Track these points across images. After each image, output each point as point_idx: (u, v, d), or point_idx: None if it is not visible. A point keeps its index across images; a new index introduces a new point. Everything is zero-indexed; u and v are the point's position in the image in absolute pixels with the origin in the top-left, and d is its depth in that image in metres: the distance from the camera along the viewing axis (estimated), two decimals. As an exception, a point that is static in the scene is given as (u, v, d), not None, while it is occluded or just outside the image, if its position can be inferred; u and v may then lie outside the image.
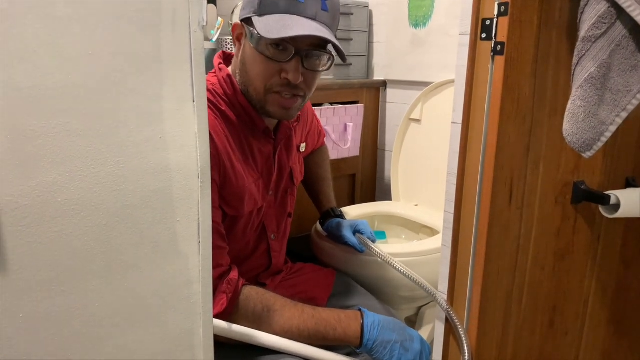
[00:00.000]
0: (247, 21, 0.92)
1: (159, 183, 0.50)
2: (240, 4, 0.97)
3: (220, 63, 1.01)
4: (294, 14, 0.88)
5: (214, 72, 1.00)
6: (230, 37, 1.68)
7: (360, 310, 0.96)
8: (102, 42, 0.45)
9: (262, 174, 1.04)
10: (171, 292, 0.54)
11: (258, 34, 0.88)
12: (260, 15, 0.89)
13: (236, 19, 1.59)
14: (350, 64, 1.92)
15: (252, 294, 0.93)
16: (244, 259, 1.06)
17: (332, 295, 1.18)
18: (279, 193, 1.10)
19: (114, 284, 0.50)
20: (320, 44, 0.93)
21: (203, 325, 0.57)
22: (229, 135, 0.96)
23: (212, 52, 1.64)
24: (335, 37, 0.93)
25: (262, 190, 1.04)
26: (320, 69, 0.96)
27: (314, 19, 0.89)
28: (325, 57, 0.95)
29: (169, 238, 0.52)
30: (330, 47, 0.95)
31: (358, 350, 0.94)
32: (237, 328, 0.87)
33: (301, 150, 1.20)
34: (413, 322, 1.49)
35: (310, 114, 1.28)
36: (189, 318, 0.56)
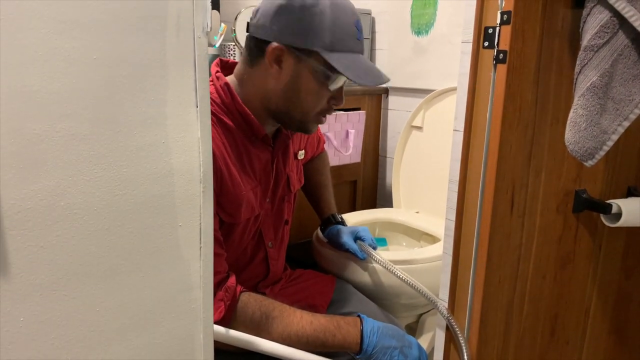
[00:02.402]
0: (305, 52, 0.92)
1: (162, 188, 0.50)
2: (254, 13, 0.96)
3: (217, 71, 1.01)
4: (359, 52, 0.96)
5: (211, 81, 1.00)
6: (233, 43, 1.69)
7: (359, 316, 0.96)
8: (107, 47, 0.45)
9: (259, 181, 1.04)
10: (172, 298, 0.54)
11: (329, 69, 0.92)
12: (330, 51, 0.91)
13: (240, 25, 1.60)
14: (353, 71, 1.92)
15: (250, 300, 0.92)
16: (242, 268, 1.06)
17: (332, 302, 1.17)
18: (276, 200, 1.10)
19: (115, 288, 0.50)
20: None
21: (203, 330, 0.57)
22: (225, 142, 0.96)
23: (215, 58, 1.64)
24: None
25: (260, 198, 1.04)
26: None
27: (363, 51, 0.98)
28: None
29: (170, 243, 0.52)
30: None
31: (357, 357, 0.94)
32: (236, 334, 0.87)
33: (299, 158, 1.20)
34: (413, 329, 1.48)
35: None
36: (189, 323, 0.56)
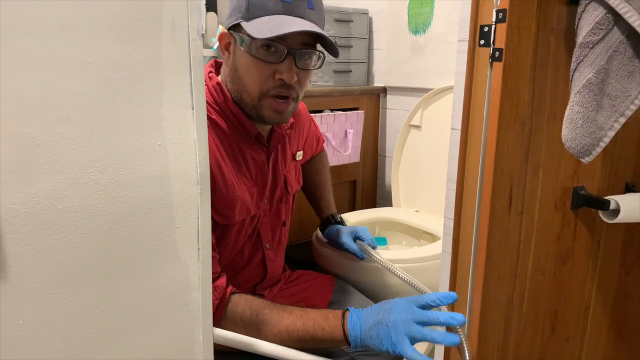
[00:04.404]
0: (236, 28, 0.94)
1: (159, 190, 0.51)
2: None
3: (210, 72, 1.01)
4: (283, 14, 0.90)
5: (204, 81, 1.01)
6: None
7: (348, 309, 0.91)
8: (102, 50, 0.45)
9: (256, 181, 1.04)
10: (171, 299, 0.54)
11: (249, 37, 0.89)
12: (248, 19, 0.90)
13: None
14: (350, 71, 1.93)
15: (240, 300, 0.92)
16: (239, 269, 1.06)
17: (331, 302, 1.17)
18: (274, 201, 1.10)
19: (114, 290, 0.50)
20: (310, 42, 0.95)
21: (203, 332, 0.57)
22: (218, 143, 0.96)
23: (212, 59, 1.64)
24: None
25: (257, 198, 1.04)
26: (312, 68, 0.98)
27: (302, 17, 0.91)
28: (316, 56, 0.97)
29: (168, 245, 0.52)
30: (319, 47, 0.98)
31: (353, 348, 0.88)
32: (234, 336, 0.87)
33: (297, 159, 1.19)
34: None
35: (307, 120, 1.27)
36: (188, 325, 0.56)
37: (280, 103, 0.96)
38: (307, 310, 0.92)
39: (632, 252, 0.99)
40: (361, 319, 0.87)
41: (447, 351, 0.90)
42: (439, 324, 0.82)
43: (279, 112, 0.97)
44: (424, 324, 0.82)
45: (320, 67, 1.00)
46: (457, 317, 0.81)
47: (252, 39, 0.89)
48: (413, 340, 0.82)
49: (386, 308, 0.86)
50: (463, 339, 0.83)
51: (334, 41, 0.94)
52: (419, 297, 0.85)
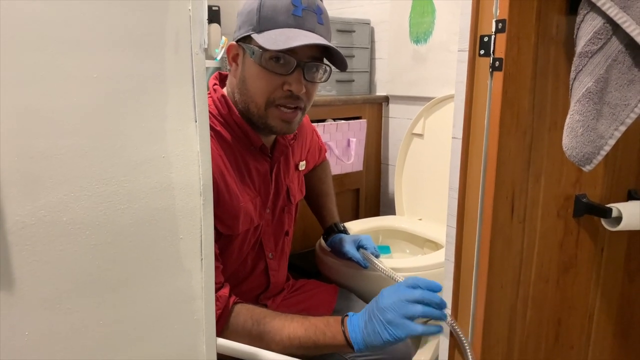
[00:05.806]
0: (246, 39, 0.95)
1: (162, 201, 0.51)
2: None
3: (215, 84, 1.03)
4: (294, 28, 0.92)
5: (209, 93, 1.02)
6: (234, 56, 1.70)
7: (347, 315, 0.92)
8: (107, 64, 0.46)
9: (259, 192, 1.04)
10: (175, 309, 0.54)
11: (260, 48, 0.91)
12: (259, 32, 0.92)
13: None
14: (353, 80, 1.94)
15: (242, 310, 0.92)
16: (242, 279, 1.06)
17: (335, 311, 1.17)
18: (277, 211, 1.11)
19: (118, 301, 0.50)
20: (318, 56, 0.96)
21: (206, 341, 0.57)
22: (223, 154, 0.97)
23: (217, 70, 1.66)
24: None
25: (260, 209, 1.04)
26: (319, 81, 1.00)
27: (312, 31, 0.93)
28: (322, 69, 0.99)
29: (172, 255, 0.53)
30: (325, 60, 1.00)
31: (356, 351, 0.89)
32: (237, 346, 0.87)
33: (300, 169, 1.20)
34: (417, 337, 1.48)
35: (309, 130, 1.28)
36: (192, 334, 0.56)
37: (287, 112, 0.97)
38: (309, 318, 0.92)
39: (636, 259, 0.99)
40: (358, 320, 0.89)
41: (452, 358, 0.90)
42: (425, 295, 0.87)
43: (286, 122, 0.98)
44: (416, 302, 0.85)
45: (326, 80, 1.02)
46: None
47: (263, 50, 0.91)
48: (412, 319, 0.85)
49: (373, 302, 0.89)
50: (467, 347, 0.83)
51: (342, 55, 0.96)
52: (404, 281, 0.91)
